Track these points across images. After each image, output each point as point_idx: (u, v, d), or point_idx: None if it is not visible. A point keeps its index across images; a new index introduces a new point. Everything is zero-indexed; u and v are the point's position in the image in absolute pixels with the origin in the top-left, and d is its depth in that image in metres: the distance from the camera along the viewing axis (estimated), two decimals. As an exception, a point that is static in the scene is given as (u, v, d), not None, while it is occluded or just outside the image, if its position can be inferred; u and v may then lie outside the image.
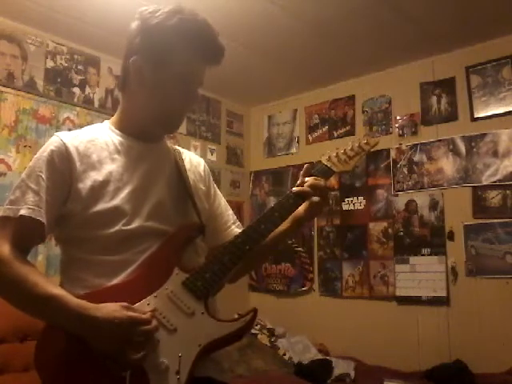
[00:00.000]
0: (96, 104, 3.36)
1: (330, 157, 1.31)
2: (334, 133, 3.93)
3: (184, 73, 1.17)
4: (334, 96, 3.96)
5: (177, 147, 1.36)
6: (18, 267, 1.03)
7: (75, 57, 3.31)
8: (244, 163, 4.43)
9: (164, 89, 1.17)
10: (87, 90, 3.34)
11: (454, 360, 2.94)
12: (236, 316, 1.10)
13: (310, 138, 4.08)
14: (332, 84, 3.94)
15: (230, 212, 1.42)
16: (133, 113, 1.22)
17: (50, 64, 3.16)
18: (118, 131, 1.23)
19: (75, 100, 3.26)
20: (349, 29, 3.09)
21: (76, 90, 3.28)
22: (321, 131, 4.02)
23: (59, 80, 3.19)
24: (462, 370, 2.82)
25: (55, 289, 1.03)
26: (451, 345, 3.08)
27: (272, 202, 4.18)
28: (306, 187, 1.23)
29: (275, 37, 3.17)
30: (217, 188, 1.43)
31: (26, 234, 1.09)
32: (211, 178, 1.41)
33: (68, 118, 3.15)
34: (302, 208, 1.27)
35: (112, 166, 1.17)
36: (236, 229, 1.37)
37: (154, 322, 1.02)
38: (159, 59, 1.16)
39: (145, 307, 1.05)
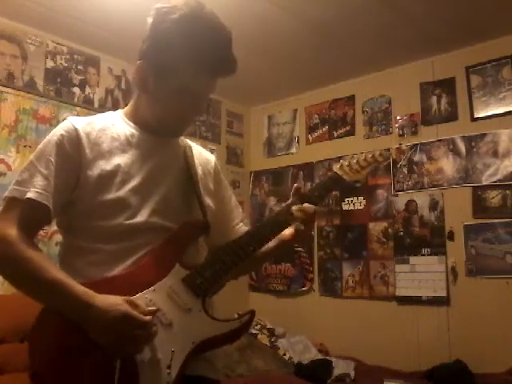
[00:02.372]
0: (96, 104, 3.36)
1: (342, 165, 1.30)
2: (334, 133, 3.93)
3: (186, 87, 1.13)
4: (334, 96, 3.96)
5: (188, 142, 1.34)
6: (25, 249, 1.03)
7: (75, 57, 3.31)
8: (244, 163, 4.43)
9: (165, 99, 1.16)
10: (87, 89, 3.34)
11: (454, 360, 2.94)
12: (236, 316, 1.10)
13: (310, 137, 4.08)
14: (332, 84, 3.94)
15: (239, 210, 1.41)
16: (141, 110, 1.22)
17: (50, 64, 3.17)
18: (130, 122, 1.22)
19: (75, 100, 3.26)
20: (349, 29, 3.09)
21: (76, 89, 3.28)
22: (321, 131, 4.02)
23: (59, 80, 3.20)
24: (461, 369, 2.82)
25: (61, 274, 1.03)
26: (451, 345, 3.08)
27: (272, 201, 4.19)
28: (298, 215, 1.20)
29: (275, 37, 3.17)
30: (227, 186, 1.41)
31: (32, 218, 1.08)
32: (221, 175, 1.39)
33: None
34: (287, 232, 1.26)
35: (121, 158, 1.16)
36: (244, 227, 1.36)
37: (155, 327, 1.02)
38: (163, 70, 1.13)
39: (143, 300, 1.05)
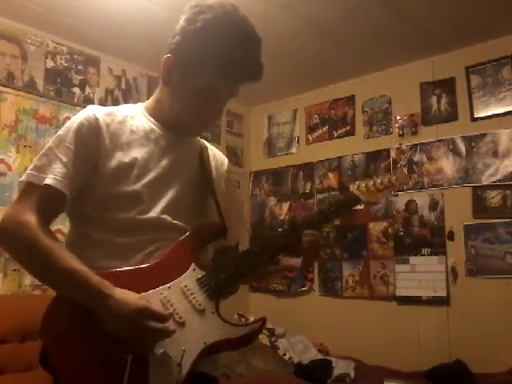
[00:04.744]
0: (96, 104, 3.35)
1: (359, 186, 1.33)
2: (334, 133, 3.93)
3: (208, 87, 1.14)
4: (334, 96, 3.96)
5: (204, 142, 1.35)
6: (43, 236, 1.03)
7: (75, 57, 3.31)
8: (244, 163, 4.43)
9: (185, 96, 1.16)
10: (87, 89, 3.34)
11: (454, 360, 2.94)
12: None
13: (310, 138, 4.08)
14: (332, 84, 3.94)
15: (242, 214, 1.44)
16: (162, 105, 1.22)
17: (50, 64, 3.17)
18: (150, 117, 1.23)
19: (75, 100, 3.26)
20: (349, 29, 3.09)
21: (76, 89, 3.28)
22: (321, 131, 4.02)
23: (59, 80, 3.20)
24: (461, 369, 2.82)
25: (78, 263, 1.03)
26: (451, 345, 3.08)
27: (272, 201, 4.18)
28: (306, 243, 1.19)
29: (275, 37, 3.17)
30: (236, 189, 1.43)
31: (49, 204, 1.08)
32: (232, 178, 1.41)
33: (68, 117, 3.11)
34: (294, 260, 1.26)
35: (139, 152, 1.16)
36: (244, 232, 1.38)
37: (172, 325, 1.02)
38: (188, 67, 1.14)
39: (157, 296, 1.06)
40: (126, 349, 0.98)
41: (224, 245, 1.29)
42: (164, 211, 1.14)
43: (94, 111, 1.16)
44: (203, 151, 1.30)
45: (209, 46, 1.11)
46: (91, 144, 1.12)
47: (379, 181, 1.34)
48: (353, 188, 1.33)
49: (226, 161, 1.40)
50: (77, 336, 1.02)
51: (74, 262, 1.02)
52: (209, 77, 1.13)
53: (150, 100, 1.27)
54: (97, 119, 1.14)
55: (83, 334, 1.01)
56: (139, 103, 1.28)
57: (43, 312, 1.04)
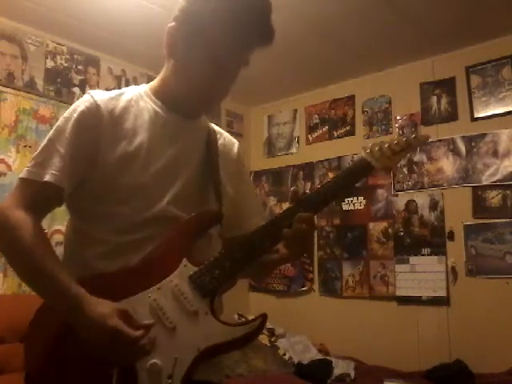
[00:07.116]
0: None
1: (371, 150, 1.11)
2: (334, 133, 3.93)
3: (216, 53, 1.05)
4: (334, 96, 3.96)
5: (214, 126, 1.26)
6: (30, 235, 0.96)
7: (75, 57, 3.31)
8: (244, 163, 4.42)
9: (192, 67, 1.08)
10: (87, 89, 3.34)
11: (454, 360, 2.94)
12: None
13: (310, 137, 4.08)
14: (332, 84, 3.94)
15: (258, 202, 1.32)
16: (167, 83, 1.14)
17: (50, 64, 3.16)
18: (156, 99, 1.14)
19: (75, 100, 3.21)
20: (349, 29, 3.09)
21: (76, 89, 3.28)
22: (321, 131, 4.02)
23: (59, 80, 3.19)
24: (461, 369, 2.82)
25: (59, 269, 0.96)
26: (451, 345, 3.07)
27: (272, 201, 4.18)
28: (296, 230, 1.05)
29: (275, 36, 3.16)
30: (248, 174, 1.33)
31: (46, 199, 1.03)
32: (243, 163, 1.32)
33: (68, 118, 3.14)
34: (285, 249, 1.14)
35: (144, 138, 1.09)
36: (261, 221, 1.21)
37: (148, 346, 0.94)
38: (194, 34, 1.05)
39: (146, 300, 0.98)
40: (110, 363, 0.92)
41: (236, 236, 1.17)
42: (170, 203, 1.07)
43: (95, 97, 1.08)
44: (211, 136, 1.21)
45: (217, 8, 1.03)
46: (93, 134, 1.05)
47: (395, 142, 1.13)
48: (364, 154, 1.11)
49: (236, 145, 1.30)
50: (61, 348, 0.96)
51: (54, 266, 0.96)
52: (217, 41, 1.05)
53: (155, 80, 1.18)
54: (98, 106, 1.07)
55: (67, 347, 0.96)
56: (143, 85, 1.19)
57: (25, 331, 1.00)
